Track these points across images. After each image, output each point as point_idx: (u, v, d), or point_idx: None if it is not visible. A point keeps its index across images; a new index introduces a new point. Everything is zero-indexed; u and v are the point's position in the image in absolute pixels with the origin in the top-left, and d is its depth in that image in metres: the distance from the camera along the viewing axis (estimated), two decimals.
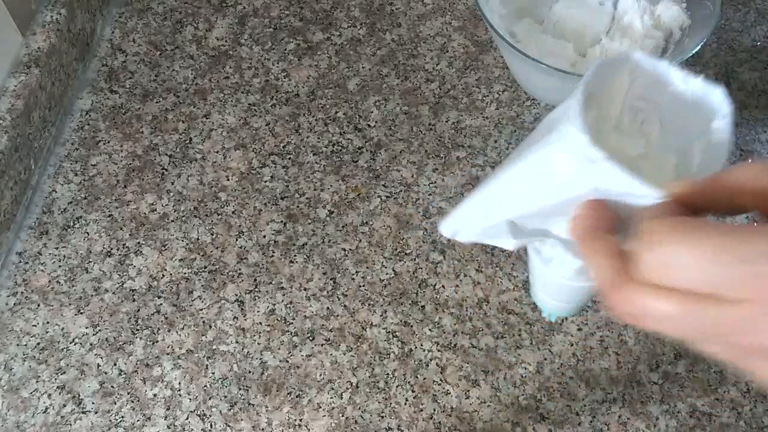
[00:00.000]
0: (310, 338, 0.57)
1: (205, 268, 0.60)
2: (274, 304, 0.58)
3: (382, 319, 0.58)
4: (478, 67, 0.70)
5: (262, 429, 0.53)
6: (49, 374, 0.55)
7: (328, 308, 0.58)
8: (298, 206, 0.62)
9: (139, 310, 0.58)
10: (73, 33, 0.66)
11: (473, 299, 0.58)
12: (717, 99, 0.36)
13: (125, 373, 0.55)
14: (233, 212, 0.62)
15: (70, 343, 0.56)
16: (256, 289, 0.59)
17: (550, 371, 0.55)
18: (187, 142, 0.65)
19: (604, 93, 0.37)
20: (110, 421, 0.53)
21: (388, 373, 0.56)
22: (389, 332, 0.57)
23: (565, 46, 0.66)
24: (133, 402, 0.54)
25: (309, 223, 0.62)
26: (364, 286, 0.59)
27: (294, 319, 0.58)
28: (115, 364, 0.55)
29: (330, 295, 0.59)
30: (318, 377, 0.55)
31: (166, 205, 0.62)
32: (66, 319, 0.57)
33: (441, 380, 0.55)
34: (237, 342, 0.57)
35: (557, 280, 0.44)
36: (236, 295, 0.58)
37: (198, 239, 0.61)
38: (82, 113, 0.66)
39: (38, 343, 0.56)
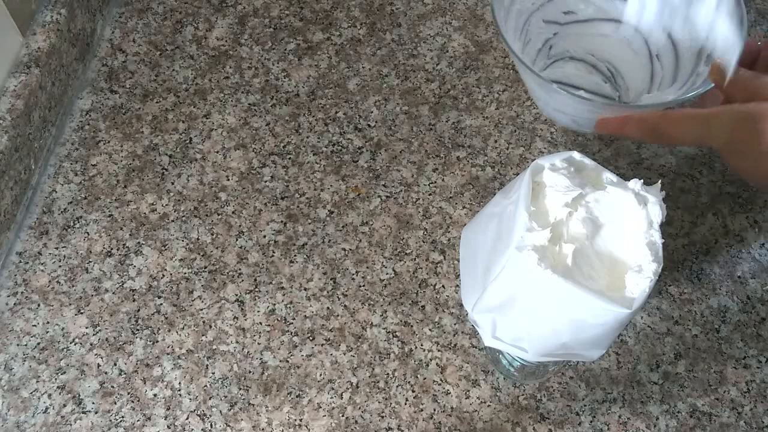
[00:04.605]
0: (310, 338, 0.57)
1: (205, 268, 0.60)
2: (274, 304, 0.58)
3: (382, 319, 0.58)
4: (478, 67, 0.70)
5: (262, 429, 0.53)
6: (49, 374, 0.55)
7: (328, 308, 0.58)
8: (298, 206, 0.62)
9: (139, 310, 0.58)
10: (73, 33, 0.66)
11: None
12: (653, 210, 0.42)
13: (125, 373, 0.55)
14: (233, 212, 0.62)
15: (70, 343, 0.56)
16: (256, 289, 0.59)
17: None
18: (187, 142, 0.65)
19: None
20: (110, 421, 0.53)
21: (388, 373, 0.56)
22: (389, 332, 0.57)
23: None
24: (133, 402, 0.54)
25: (309, 223, 0.62)
26: (364, 286, 0.59)
27: (294, 319, 0.58)
28: (115, 364, 0.56)
29: (330, 295, 0.59)
30: (318, 377, 0.55)
31: (166, 205, 0.62)
32: (66, 319, 0.57)
33: (441, 380, 0.55)
34: (237, 342, 0.57)
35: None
36: (236, 295, 0.58)
37: (198, 239, 0.61)
38: (82, 113, 0.66)
39: (38, 343, 0.56)
